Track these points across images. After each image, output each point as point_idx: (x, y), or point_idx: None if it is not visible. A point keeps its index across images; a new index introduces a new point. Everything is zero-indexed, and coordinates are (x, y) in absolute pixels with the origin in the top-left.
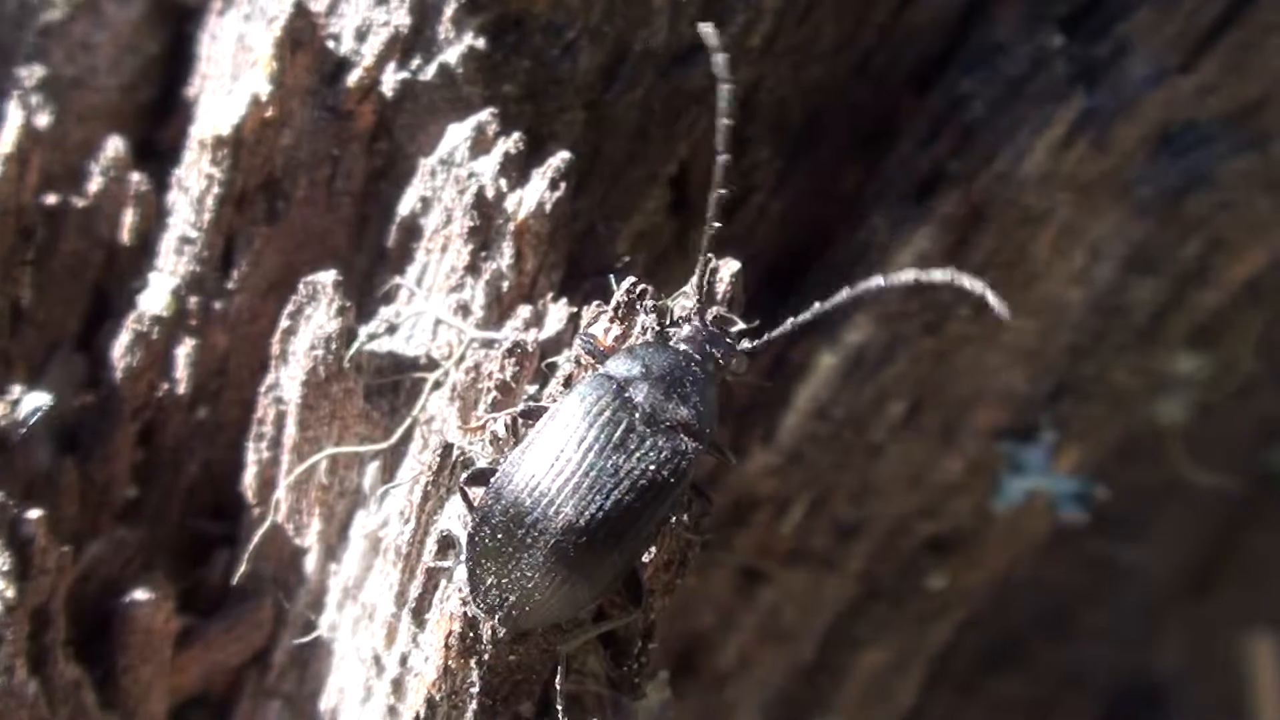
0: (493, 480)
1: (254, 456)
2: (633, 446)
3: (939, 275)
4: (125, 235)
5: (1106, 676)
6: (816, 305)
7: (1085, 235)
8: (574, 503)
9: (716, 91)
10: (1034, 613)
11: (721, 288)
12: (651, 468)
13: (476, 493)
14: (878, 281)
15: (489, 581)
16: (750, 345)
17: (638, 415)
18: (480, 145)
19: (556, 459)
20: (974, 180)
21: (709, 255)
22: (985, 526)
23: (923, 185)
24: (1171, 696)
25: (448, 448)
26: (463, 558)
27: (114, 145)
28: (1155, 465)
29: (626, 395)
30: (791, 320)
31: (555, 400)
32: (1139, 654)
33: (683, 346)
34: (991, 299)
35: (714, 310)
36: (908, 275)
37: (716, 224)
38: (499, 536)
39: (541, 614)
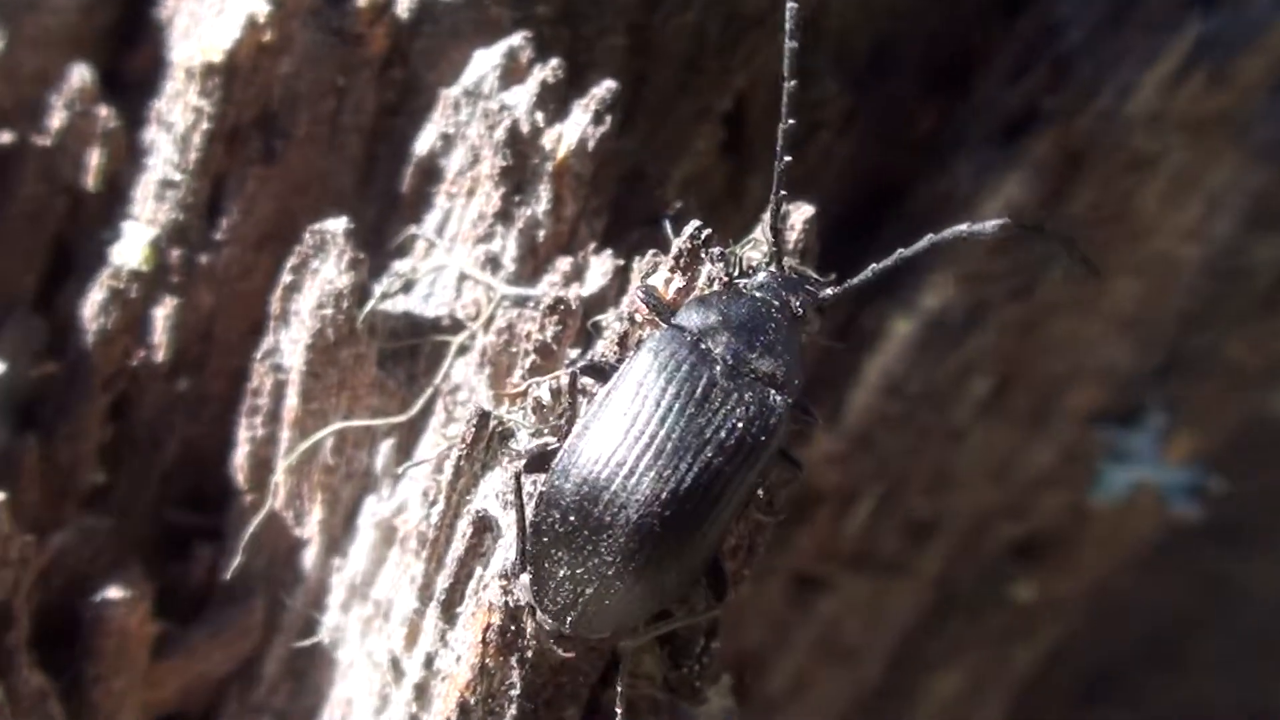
0: (558, 456)
1: (247, 434)
2: (716, 404)
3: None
4: (91, 179)
5: (1220, 715)
6: (900, 252)
7: (1200, 184)
8: (656, 471)
9: (784, 8)
10: (1136, 639)
11: (793, 236)
12: (740, 424)
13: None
14: (964, 227)
15: (561, 575)
16: (832, 291)
17: (719, 369)
18: (512, 74)
19: (632, 423)
20: (1072, 120)
21: (783, 193)
22: (1082, 526)
23: (1012, 126)
24: None
25: (484, 416)
26: (504, 547)
27: (79, 75)
28: (1278, 465)
29: (704, 348)
30: (874, 267)
31: (612, 359)
32: (1258, 688)
33: (758, 293)
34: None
35: (786, 262)
36: (996, 223)
37: (787, 158)
38: (571, 519)
39: (622, 609)
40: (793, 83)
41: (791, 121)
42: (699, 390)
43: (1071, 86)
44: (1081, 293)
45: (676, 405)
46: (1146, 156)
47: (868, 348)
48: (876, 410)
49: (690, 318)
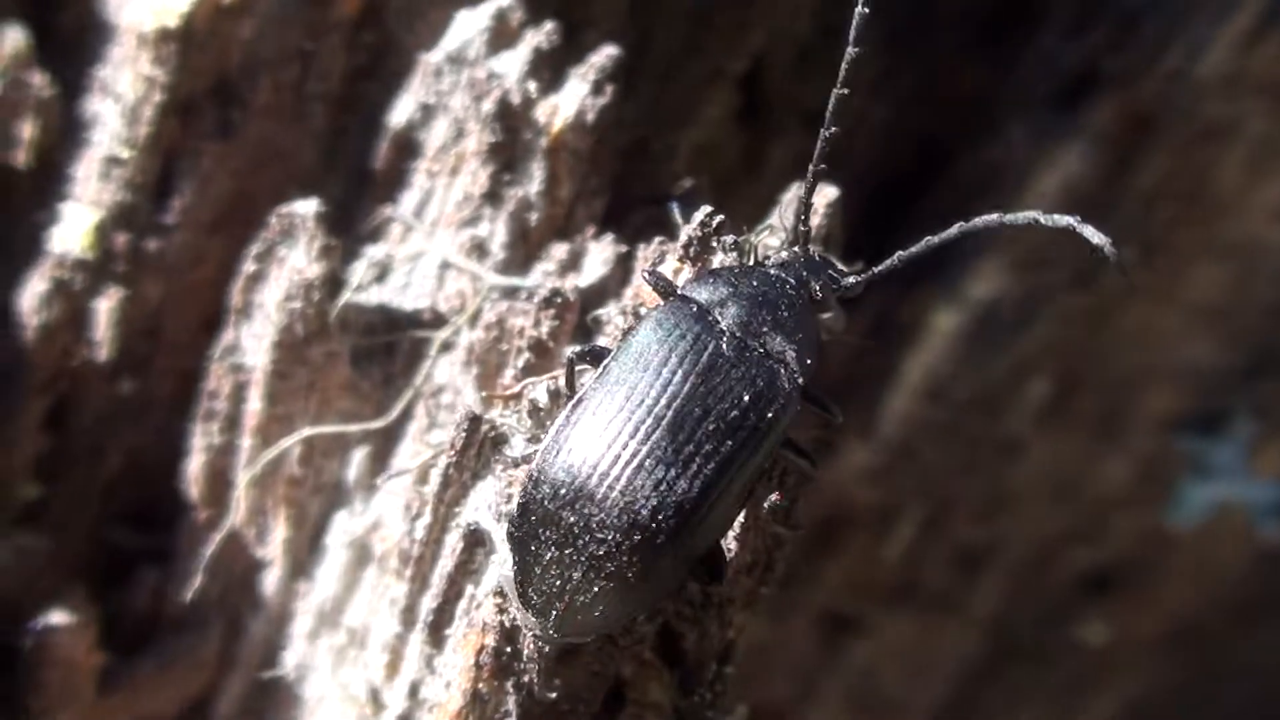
0: (551, 429)
1: (202, 441)
2: (720, 376)
3: (1064, 220)
4: (23, 154)
5: None
6: (928, 239)
7: None
8: (654, 442)
9: None
10: (1255, 702)
11: (815, 221)
12: (746, 398)
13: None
14: (996, 217)
15: (547, 558)
16: (855, 280)
17: (725, 340)
18: (501, 38)
19: (631, 392)
20: (1137, 83)
21: (822, 167)
22: (1162, 554)
23: (1070, 89)
24: None
25: (475, 420)
26: (497, 563)
27: (12, 38)
28: None
29: (710, 319)
30: (899, 254)
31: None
32: None
33: (775, 270)
34: (1116, 260)
35: (813, 246)
36: (1028, 215)
37: (835, 128)
38: (562, 493)
39: (612, 598)
40: (855, 49)
41: (846, 90)
42: (703, 361)
43: (1136, 45)
44: (1156, 279)
45: (679, 375)
46: (1222, 124)
47: (906, 344)
48: (918, 417)
49: (699, 290)
